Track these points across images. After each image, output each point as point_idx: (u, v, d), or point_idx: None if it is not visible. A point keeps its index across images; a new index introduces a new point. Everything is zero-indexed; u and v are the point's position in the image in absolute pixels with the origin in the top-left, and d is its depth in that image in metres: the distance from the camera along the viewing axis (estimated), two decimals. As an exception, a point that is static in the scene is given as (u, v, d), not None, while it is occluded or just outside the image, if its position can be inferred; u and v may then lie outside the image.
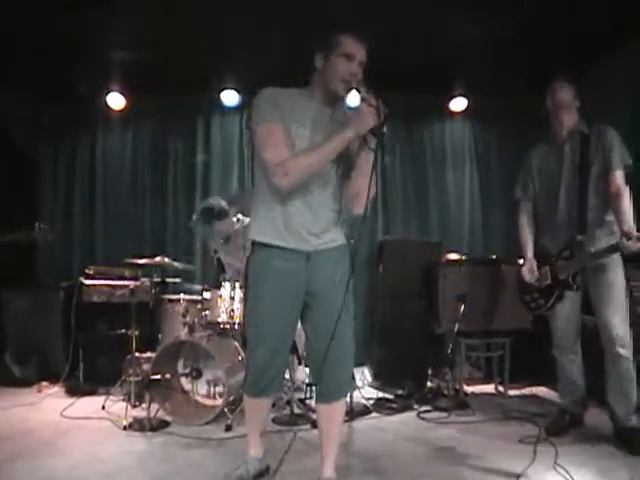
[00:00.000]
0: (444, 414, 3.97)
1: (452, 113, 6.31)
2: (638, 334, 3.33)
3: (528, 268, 3.43)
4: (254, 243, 2.47)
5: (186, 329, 3.96)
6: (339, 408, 2.57)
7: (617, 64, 5.07)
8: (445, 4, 4.43)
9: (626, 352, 3.09)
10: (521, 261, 3.56)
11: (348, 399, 3.72)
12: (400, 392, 4.51)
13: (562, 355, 3.44)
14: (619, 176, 3.12)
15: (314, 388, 2.72)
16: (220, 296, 4.03)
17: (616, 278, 3.17)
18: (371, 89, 2.26)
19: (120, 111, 5.97)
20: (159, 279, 4.43)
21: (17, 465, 2.98)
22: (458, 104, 6.18)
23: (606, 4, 4.28)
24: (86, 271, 4.95)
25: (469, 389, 4.63)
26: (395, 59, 5.21)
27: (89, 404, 4.24)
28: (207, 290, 4.11)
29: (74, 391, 4.55)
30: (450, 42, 4.98)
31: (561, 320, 3.37)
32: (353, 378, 2.86)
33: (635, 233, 2.87)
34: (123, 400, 4.16)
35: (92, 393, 4.56)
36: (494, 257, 4.73)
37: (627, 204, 3.05)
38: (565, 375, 3.47)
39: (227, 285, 4.06)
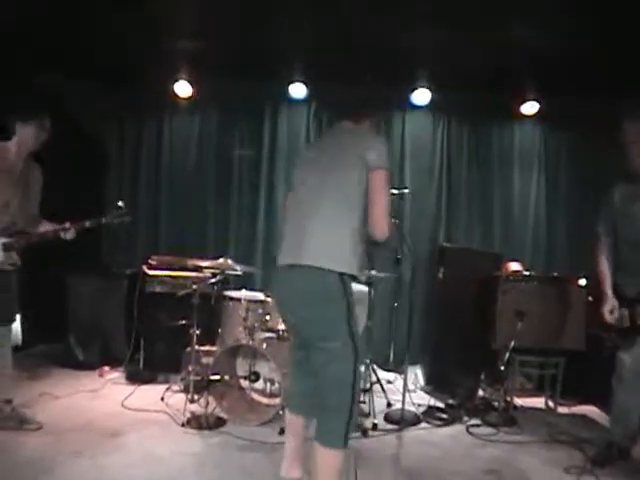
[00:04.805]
0: (492, 430, 3.98)
1: (522, 116, 6.07)
2: None
3: (609, 309, 3.31)
4: (350, 275, 2.44)
5: (246, 331, 4.01)
6: (324, 455, 2.42)
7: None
8: (521, 9, 4.25)
9: None
10: (606, 287, 3.39)
11: (399, 406, 3.96)
12: (451, 401, 4.52)
13: (622, 386, 3.34)
14: None
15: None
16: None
17: None
18: None
19: (187, 99, 6.00)
20: (222, 276, 4.44)
21: (78, 461, 3.11)
22: (529, 108, 5.95)
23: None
24: (150, 261, 5.07)
25: (519, 401, 4.59)
26: (469, 61, 5.10)
27: (149, 394, 4.39)
28: (268, 296, 4.16)
29: (134, 378, 4.73)
30: (525, 46, 4.78)
31: (632, 355, 3.27)
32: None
33: None
34: (181, 391, 4.33)
35: (151, 381, 4.73)
36: (555, 275, 4.64)
37: None
38: (620, 406, 3.38)
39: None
